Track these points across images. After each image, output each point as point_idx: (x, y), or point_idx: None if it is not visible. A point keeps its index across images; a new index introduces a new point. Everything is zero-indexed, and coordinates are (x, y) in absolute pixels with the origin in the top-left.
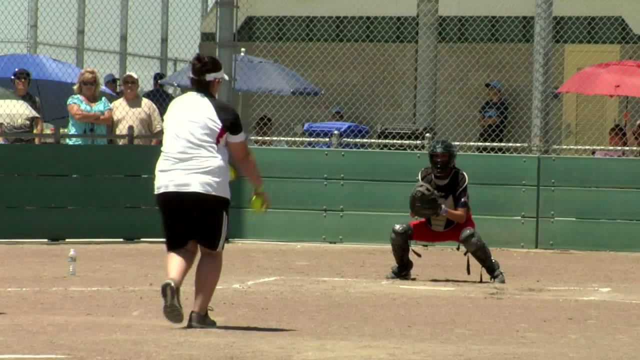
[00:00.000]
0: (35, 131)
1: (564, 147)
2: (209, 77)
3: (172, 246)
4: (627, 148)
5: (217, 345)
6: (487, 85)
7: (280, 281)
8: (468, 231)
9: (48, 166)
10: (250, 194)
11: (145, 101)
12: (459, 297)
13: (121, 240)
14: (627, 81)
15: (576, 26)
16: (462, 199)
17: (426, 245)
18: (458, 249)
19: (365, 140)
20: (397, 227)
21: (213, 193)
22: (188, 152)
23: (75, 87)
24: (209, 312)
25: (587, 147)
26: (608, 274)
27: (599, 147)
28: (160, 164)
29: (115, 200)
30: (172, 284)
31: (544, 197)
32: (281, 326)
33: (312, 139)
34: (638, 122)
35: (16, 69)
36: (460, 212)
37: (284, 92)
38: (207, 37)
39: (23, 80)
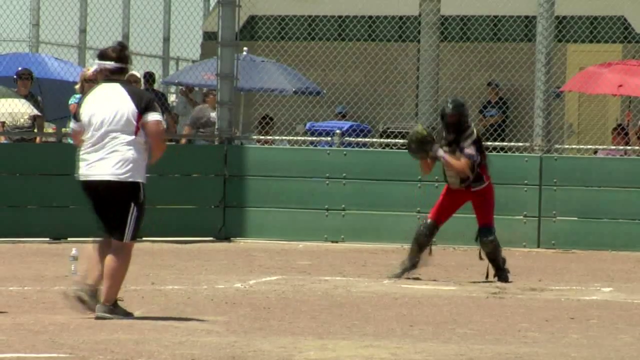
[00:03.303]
0: (36, 130)
1: (566, 146)
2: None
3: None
4: (629, 148)
5: (219, 344)
6: (489, 84)
7: (282, 280)
8: (486, 230)
9: (50, 165)
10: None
11: None
12: (460, 296)
13: None
14: (629, 81)
15: (578, 25)
16: (466, 150)
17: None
18: (480, 254)
19: (367, 139)
20: (428, 220)
21: (121, 179)
22: (100, 141)
23: (77, 87)
24: (119, 302)
25: (589, 146)
26: (610, 274)
27: (601, 147)
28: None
29: None
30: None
31: (546, 196)
32: (283, 326)
33: (314, 139)
34: None
35: (19, 68)
36: (462, 161)
37: (286, 91)
38: (209, 36)
39: (26, 80)
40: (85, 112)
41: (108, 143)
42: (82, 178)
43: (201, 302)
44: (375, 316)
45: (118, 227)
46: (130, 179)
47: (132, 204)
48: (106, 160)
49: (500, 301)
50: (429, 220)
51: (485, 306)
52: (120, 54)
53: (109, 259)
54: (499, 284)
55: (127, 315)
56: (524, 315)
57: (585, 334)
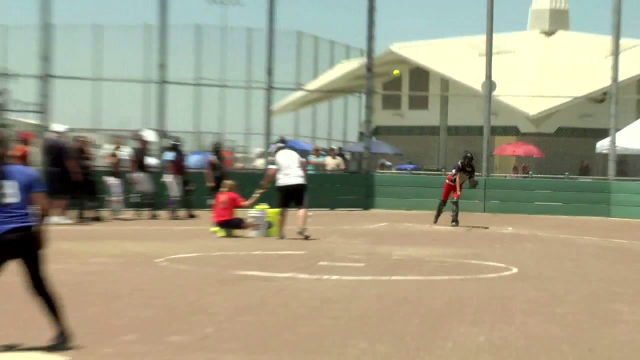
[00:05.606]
0: None
1: (494, 174)
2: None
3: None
4: (517, 175)
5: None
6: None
7: (390, 224)
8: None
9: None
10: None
11: None
12: (445, 231)
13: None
14: (517, 149)
15: (499, 129)
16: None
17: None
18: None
19: (420, 171)
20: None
21: (304, 183)
22: (290, 170)
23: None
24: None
25: (503, 174)
26: (511, 222)
27: (507, 175)
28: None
29: None
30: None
31: (488, 192)
32: (391, 242)
33: (398, 172)
34: (522, 165)
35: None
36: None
37: (389, 154)
38: (362, 133)
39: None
40: (280, 161)
41: (293, 170)
42: (286, 184)
43: (354, 234)
44: (419, 237)
45: (302, 202)
46: (305, 182)
47: (306, 192)
48: (297, 177)
49: (463, 231)
50: (440, 200)
51: (454, 233)
52: (280, 140)
53: (303, 213)
54: (466, 227)
55: (307, 236)
56: (475, 237)
57: (502, 245)
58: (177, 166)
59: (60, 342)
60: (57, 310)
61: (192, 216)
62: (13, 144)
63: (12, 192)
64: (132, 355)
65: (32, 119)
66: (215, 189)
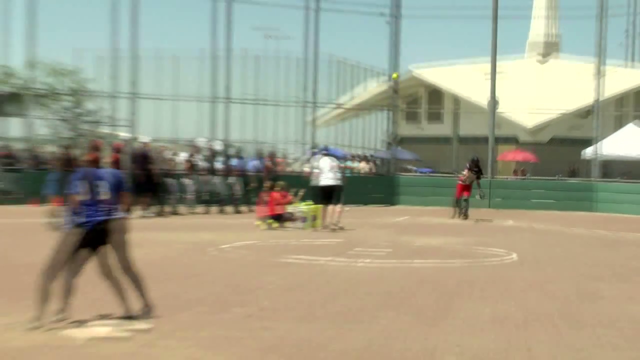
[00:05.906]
0: None
1: (499, 176)
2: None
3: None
4: (517, 177)
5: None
6: (473, 160)
7: (410, 218)
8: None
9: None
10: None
11: None
12: (456, 223)
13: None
14: (517, 156)
15: (501, 139)
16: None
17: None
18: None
19: (435, 173)
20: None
21: (341, 184)
22: (331, 172)
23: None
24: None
25: (505, 176)
26: (511, 216)
27: (509, 176)
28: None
29: None
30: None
31: (493, 191)
32: (409, 231)
33: (417, 174)
34: (521, 169)
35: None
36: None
37: (409, 159)
38: (388, 143)
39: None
40: (322, 165)
41: (332, 173)
42: (325, 184)
43: (378, 225)
44: (434, 229)
45: (339, 200)
46: (342, 184)
47: (342, 192)
48: (336, 179)
49: (474, 224)
50: (456, 198)
51: (464, 226)
52: (324, 149)
53: (338, 209)
54: (474, 220)
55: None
56: (483, 229)
57: (504, 235)
58: (226, 169)
59: (145, 313)
60: (141, 287)
61: (238, 212)
62: (108, 152)
63: (104, 191)
64: (204, 322)
65: (122, 132)
66: (259, 188)
